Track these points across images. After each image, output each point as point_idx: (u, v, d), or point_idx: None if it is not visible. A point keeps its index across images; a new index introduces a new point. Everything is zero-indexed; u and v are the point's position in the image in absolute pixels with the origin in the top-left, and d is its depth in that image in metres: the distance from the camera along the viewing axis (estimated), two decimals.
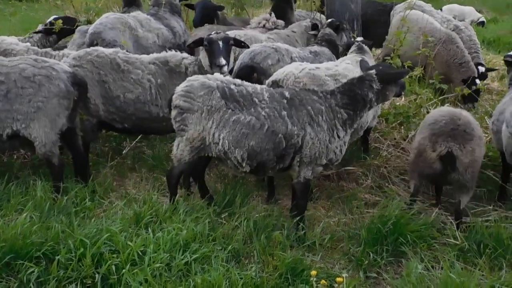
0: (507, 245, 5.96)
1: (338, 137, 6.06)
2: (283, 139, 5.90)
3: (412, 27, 9.79)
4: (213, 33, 7.18)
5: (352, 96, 6.08)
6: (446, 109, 7.10)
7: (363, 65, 6.69)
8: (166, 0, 9.76)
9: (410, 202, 6.60)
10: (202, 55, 7.16)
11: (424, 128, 6.66)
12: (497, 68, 10.12)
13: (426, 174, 6.52)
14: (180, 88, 6.11)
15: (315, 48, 8.22)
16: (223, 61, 6.93)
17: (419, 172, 6.58)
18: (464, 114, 6.72)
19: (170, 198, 6.33)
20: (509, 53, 7.90)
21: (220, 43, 7.02)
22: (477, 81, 8.29)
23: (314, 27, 9.21)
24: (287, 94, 6.10)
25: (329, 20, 8.80)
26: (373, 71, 6.18)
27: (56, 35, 9.61)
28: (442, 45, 9.69)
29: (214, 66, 6.96)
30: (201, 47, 7.21)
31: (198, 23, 10.26)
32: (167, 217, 5.92)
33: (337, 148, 6.09)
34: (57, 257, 5.07)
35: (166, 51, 7.55)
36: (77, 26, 9.80)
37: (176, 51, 7.57)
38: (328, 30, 8.53)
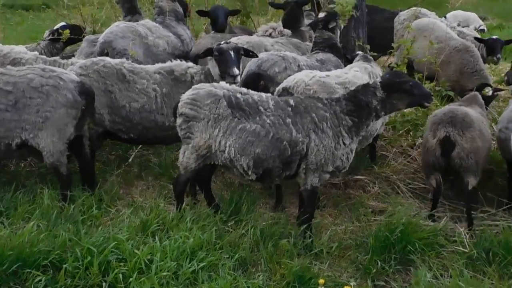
0: None
1: (344, 144, 6.05)
2: (288, 146, 5.91)
3: (429, 35, 9.86)
4: (222, 42, 7.18)
5: (357, 103, 6.07)
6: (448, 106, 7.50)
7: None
8: (170, 8, 9.76)
9: (432, 200, 6.96)
10: (212, 65, 7.15)
11: (428, 124, 7.07)
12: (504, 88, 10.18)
13: (432, 164, 6.76)
14: (186, 96, 6.12)
15: (321, 55, 8.18)
16: (236, 71, 6.91)
17: (427, 165, 6.85)
18: (464, 108, 7.05)
19: (176, 206, 6.33)
20: None
21: (232, 52, 7.00)
22: (487, 88, 8.31)
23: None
24: (291, 102, 6.12)
25: (319, 19, 8.73)
26: (378, 79, 6.20)
27: (62, 42, 9.64)
28: (457, 53, 9.71)
29: (228, 76, 6.90)
30: (209, 57, 7.20)
31: (224, 25, 10.21)
32: (174, 225, 5.91)
33: (343, 155, 6.08)
34: (64, 266, 5.07)
35: (175, 59, 7.55)
36: (83, 35, 9.82)
37: (181, 60, 7.57)
38: (327, 34, 8.47)
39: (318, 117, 5.99)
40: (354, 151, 6.25)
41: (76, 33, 9.77)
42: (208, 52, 7.17)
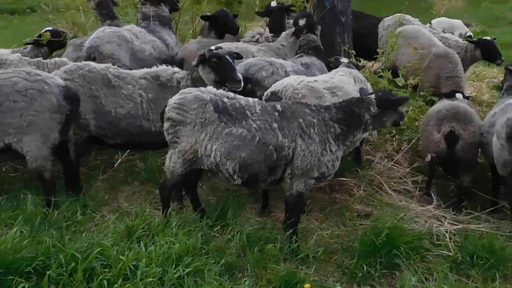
0: (499, 256, 5.95)
1: (331, 151, 6.08)
2: (273, 151, 5.91)
3: (413, 42, 10.03)
4: (214, 48, 7.15)
5: (349, 112, 6.13)
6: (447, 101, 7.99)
7: (362, 92, 6.70)
8: (154, 13, 9.69)
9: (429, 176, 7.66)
10: (205, 71, 7.06)
11: (431, 116, 7.68)
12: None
13: (436, 159, 7.35)
14: (173, 101, 6.10)
15: (305, 59, 8.22)
16: (240, 75, 6.90)
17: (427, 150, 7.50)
18: (463, 104, 7.73)
19: (162, 211, 6.29)
20: None
21: (228, 57, 6.98)
22: (457, 95, 8.37)
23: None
24: (279, 107, 6.13)
25: (303, 25, 8.75)
26: (373, 96, 6.28)
27: (48, 47, 9.58)
28: (437, 59, 9.77)
29: (232, 82, 6.85)
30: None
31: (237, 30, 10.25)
32: (160, 231, 5.87)
33: (329, 162, 6.10)
34: (48, 272, 5.01)
35: (161, 65, 7.51)
36: (64, 39, 9.76)
37: (167, 65, 7.54)
38: (312, 36, 8.50)
39: (305, 123, 6.01)
40: (339, 159, 6.28)
41: (57, 37, 9.70)
42: (203, 59, 7.07)
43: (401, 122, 6.59)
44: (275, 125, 5.97)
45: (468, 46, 10.60)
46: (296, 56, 8.42)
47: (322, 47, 8.64)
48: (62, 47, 9.92)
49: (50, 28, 9.97)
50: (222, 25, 9.97)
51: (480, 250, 6.02)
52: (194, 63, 7.13)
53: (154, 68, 7.41)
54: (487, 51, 10.41)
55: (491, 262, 5.86)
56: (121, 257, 5.24)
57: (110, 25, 9.56)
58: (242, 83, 6.90)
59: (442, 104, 7.82)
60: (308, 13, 8.98)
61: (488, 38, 10.62)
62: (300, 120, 6.02)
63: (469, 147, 7.23)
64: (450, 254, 6.10)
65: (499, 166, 6.81)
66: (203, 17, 10.42)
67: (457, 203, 7.30)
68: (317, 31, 8.71)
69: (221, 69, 6.96)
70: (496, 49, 10.36)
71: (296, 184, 6.08)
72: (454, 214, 7.09)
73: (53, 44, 9.65)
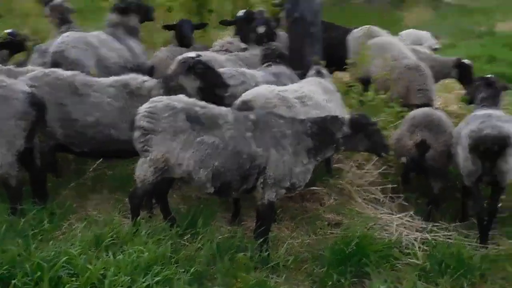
0: (467, 265, 6.01)
1: (302, 163, 6.10)
2: (246, 159, 5.90)
3: (385, 54, 10.13)
4: (194, 55, 7.09)
5: (323, 128, 6.20)
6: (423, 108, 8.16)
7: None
8: (120, 21, 9.54)
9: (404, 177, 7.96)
10: (190, 79, 6.99)
11: (406, 120, 7.92)
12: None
13: (408, 164, 7.61)
14: (143, 109, 6.04)
15: (274, 68, 8.24)
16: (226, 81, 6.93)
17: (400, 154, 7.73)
18: (438, 113, 7.86)
19: (132, 219, 6.21)
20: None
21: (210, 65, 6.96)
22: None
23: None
24: (252, 116, 6.13)
25: (262, 34, 8.76)
26: (348, 116, 6.37)
27: (8, 49, 9.47)
28: (407, 71, 9.86)
29: (222, 87, 6.92)
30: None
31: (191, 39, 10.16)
32: (129, 239, 5.79)
33: (300, 173, 6.14)
34: (13, 281, 4.90)
35: (129, 72, 7.42)
36: (25, 42, 9.65)
37: (137, 73, 7.45)
38: (274, 45, 8.54)
39: (280, 133, 6.04)
40: (311, 172, 6.31)
41: (13, 38, 9.59)
42: (187, 67, 7.00)
43: (383, 154, 6.62)
44: (248, 134, 5.97)
45: (447, 62, 10.77)
46: (265, 65, 8.41)
47: (286, 54, 8.66)
48: (23, 50, 9.81)
49: (10, 31, 9.86)
50: (180, 35, 9.95)
51: (449, 258, 6.07)
52: (175, 71, 7.06)
53: (123, 76, 7.29)
54: (464, 74, 10.59)
55: (459, 270, 5.90)
56: (88, 266, 5.14)
57: (68, 30, 9.40)
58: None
59: (416, 112, 7.95)
60: (267, 21, 8.99)
61: (469, 62, 10.86)
62: (274, 130, 6.04)
63: (439, 156, 7.36)
64: (419, 262, 6.15)
65: (464, 176, 6.92)
66: (165, 27, 10.36)
67: (428, 211, 7.40)
68: (276, 38, 8.71)
69: (208, 76, 6.95)
70: (472, 75, 10.54)
71: (268, 194, 6.08)
72: (423, 223, 7.15)
73: (12, 46, 9.53)
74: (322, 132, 6.19)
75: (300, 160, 6.10)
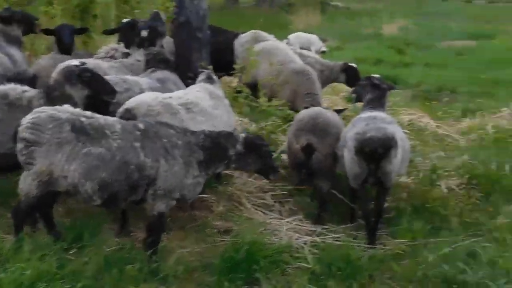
0: (356, 266, 6.14)
1: (193, 175, 6.09)
2: (135, 170, 5.80)
3: (271, 58, 10.22)
4: (77, 63, 6.88)
5: (216, 143, 6.21)
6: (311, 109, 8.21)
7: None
8: (1, 29, 9.15)
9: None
10: (77, 88, 6.75)
11: (293, 124, 8.03)
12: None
13: (296, 164, 7.67)
14: (26, 120, 5.80)
15: (159, 74, 8.16)
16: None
17: (293, 161, 7.79)
18: (325, 115, 7.91)
19: (15, 235, 5.97)
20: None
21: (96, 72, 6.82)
22: None
23: None
24: (141, 126, 6.03)
25: (144, 38, 8.71)
26: (243, 135, 6.41)
27: None
28: (294, 75, 10.02)
29: (110, 93, 6.82)
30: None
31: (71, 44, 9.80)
32: (10, 256, 5.58)
33: (191, 185, 6.11)
34: None
35: (8, 82, 7.11)
36: None
37: (19, 82, 7.16)
38: (156, 50, 8.49)
39: (170, 144, 5.98)
40: (201, 185, 6.30)
41: None
42: (73, 75, 6.77)
43: (271, 177, 6.72)
44: (136, 144, 5.86)
45: (334, 67, 11.02)
46: (149, 71, 8.31)
47: (170, 59, 8.62)
48: None
49: None
50: (59, 41, 9.68)
51: (338, 260, 6.17)
52: (58, 80, 6.81)
53: (1, 87, 6.97)
54: (351, 77, 10.87)
55: (348, 272, 6.03)
56: None
57: None
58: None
59: (304, 113, 8.04)
60: (151, 25, 8.91)
61: (355, 65, 11.15)
62: (164, 140, 5.97)
63: (325, 158, 7.48)
64: (309, 266, 6.22)
65: (350, 178, 7.09)
66: (44, 31, 9.97)
67: (318, 214, 7.55)
68: (159, 42, 8.65)
69: (95, 83, 6.78)
70: (359, 78, 10.78)
71: (158, 205, 6.01)
72: (312, 226, 7.27)
73: None
74: (215, 146, 6.21)
75: (191, 172, 6.07)
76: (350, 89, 12.78)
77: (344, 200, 7.74)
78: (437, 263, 6.21)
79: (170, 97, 6.99)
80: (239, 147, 6.28)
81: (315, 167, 7.51)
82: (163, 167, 5.90)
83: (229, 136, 6.34)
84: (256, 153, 6.38)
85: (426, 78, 17.38)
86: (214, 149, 6.20)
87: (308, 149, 7.46)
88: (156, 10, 10.31)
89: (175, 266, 6.06)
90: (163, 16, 10.17)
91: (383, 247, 6.91)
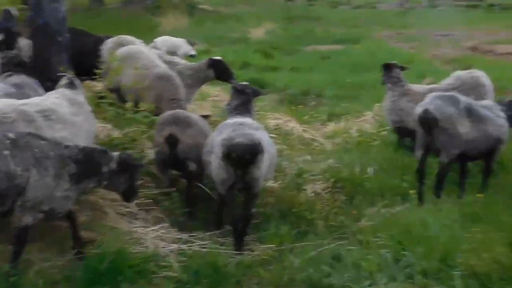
0: (223, 273, 6.18)
1: (64, 188, 5.93)
2: (3, 179, 5.55)
3: (135, 63, 10.03)
4: None
5: (89, 157, 6.11)
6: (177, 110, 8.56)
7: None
8: None
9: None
10: None
11: (156, 123, 8.22)
12: None
13: (163, 161, 7.81)
14: None
15: (15, 79, 7.84)
16: None
17: (160, 163, 7.92)
18: (184, 112, 8.31)
19: None
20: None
21: None
22: None
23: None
24: (11, 135, 5.80)
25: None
26: (118, 153, 6.36)
27: None
28: (158, 81, 9.91)
29: None
30: None
31: None
32: None
33: (61, 199, 5.94)
34: None
35: None
36: None
37: None
38: (12, 53, 8.22)
39: (41, 155, 5.79)
40: (72, 200, 6.14)
41: None
42: None
43: (130, 201, 6.84)
44: (6, 152, 5.61)
45: (200, 66, 10.93)
46: (4, 75, 7.96)
47: (28, 62, 8.28)
48: None
49: None
50: None
51: (204, 268, 6.19)
52: None
53: None
54: (220, 71, 10.80)
55: (214, 279, 6.05)
56: None
57: None
58: None
59: (167, 112, 8.29)
60: (6, 28, 8.54)
61: (219, 58, 11.02)
62: (36, 150, 5.78)
63: (190, 148, 7.63)
64: (175, 274, 6.18)
65: (218, 184, 7.12)
66: None
67: (184, 219, 7.60)
68: (16, 45, 8.32)
69: None
70: (228, 68, 10.79)
71: (26, 217, 5.82)
72: (179, 233, 7.19)
73: None
74: (88, 161, 6.09)
75: (62, 184, 5.90)
76: (215, 93, 12.90)
77: (211, 207, 7.75)
78: (303, 267, 6.33)
79: (27, 104, 6.73)
80: (112, 165, 6.21)
81: (181, 158, 7.62)
82: (34, 177, 5.70)
83: (103, 153, 6.27)
84: (128, 174, 6.36)
85: (293, 82, 17.74)
86: (86, 164, 6.08)
87: (171, 139, 7.56)
88: (6, 8, 9.85)
89: (35, 279, 5.83)
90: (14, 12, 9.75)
91: (251, 252, 6.94)
